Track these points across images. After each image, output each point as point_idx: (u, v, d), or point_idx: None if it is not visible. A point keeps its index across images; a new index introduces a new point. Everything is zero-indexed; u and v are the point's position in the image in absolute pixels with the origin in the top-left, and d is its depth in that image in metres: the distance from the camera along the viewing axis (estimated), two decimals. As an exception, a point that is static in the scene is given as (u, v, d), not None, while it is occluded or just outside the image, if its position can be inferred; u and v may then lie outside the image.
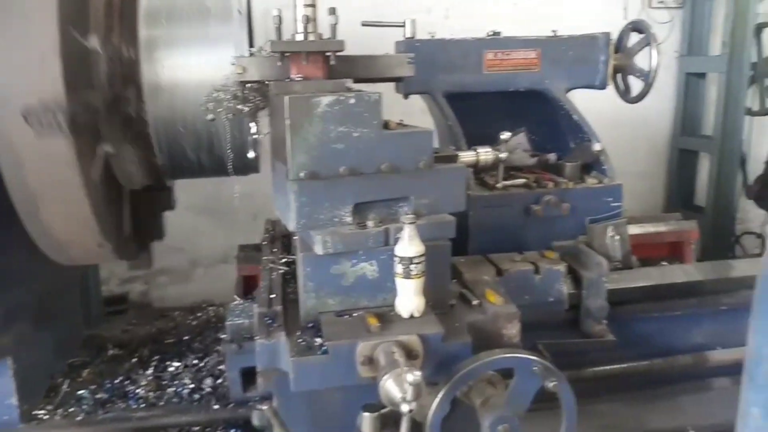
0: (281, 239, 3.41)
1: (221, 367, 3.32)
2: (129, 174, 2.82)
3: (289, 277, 2.83)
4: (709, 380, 3.21)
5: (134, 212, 3.03)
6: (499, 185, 2.96)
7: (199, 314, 4.55)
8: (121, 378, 3.36)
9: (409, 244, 2.14)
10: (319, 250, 2.21)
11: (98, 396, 3.18)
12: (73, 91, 2.36)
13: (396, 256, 2.16)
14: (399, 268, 2.16)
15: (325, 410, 2.37)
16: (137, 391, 3.21)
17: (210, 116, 2.60)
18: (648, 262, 3.48)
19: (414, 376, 1.81)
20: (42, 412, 3.04)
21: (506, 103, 3.45)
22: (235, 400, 2.96)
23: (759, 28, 4.91)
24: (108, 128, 2.66)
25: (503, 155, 2.79)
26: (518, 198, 3.04)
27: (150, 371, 3.41)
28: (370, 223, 2.27)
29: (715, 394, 3.14)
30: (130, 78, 2.69)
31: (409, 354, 2.07)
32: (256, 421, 2.71)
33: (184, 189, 4.23)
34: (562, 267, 2.79)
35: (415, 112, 3.61)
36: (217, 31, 2.72)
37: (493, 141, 3.38)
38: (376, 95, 2.24)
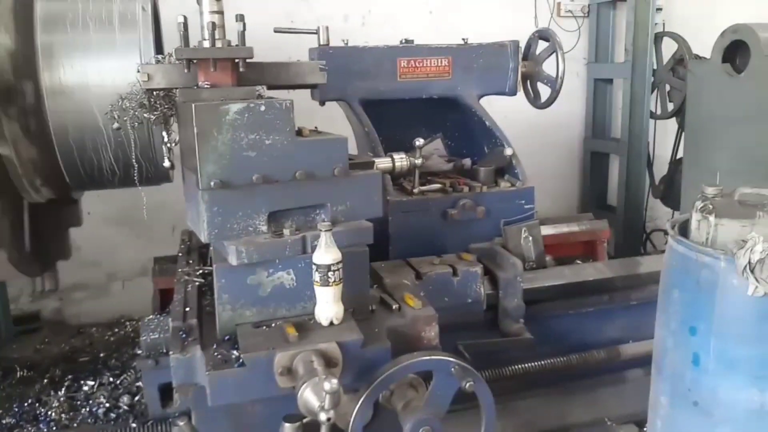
0: (198, 250, 3.33)
1: (139, 383, 3.19)
2: (29, 180, 2.66)
3: (206, 289, 2.76)
4: (624, 372, 3.35)
5: (36, 228, 2.87)
6: (416, 191, 3.00)
7: (116, 330, 4.36)
8: (30, 401, 3.16)
9: (325, 252, 2.14)
10: (233, 260, 2.17)
11: (5, 421, 2.98)
12: None
13: (314, 263, 2.15)
14: (317, 276, 2.15)
15: (245, 423, 2.32)
16: (49, 413, 3.03)
17: (116, 125, 2.50)
18: (563, 262, 3.62)
19: (331, 384, 1.80)
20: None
21: (422, 109, 3.50)
22: (154, 417, 2.85)
23: (657, 37, 5.20)
24: (3, 124, 2.52)
25: (418, 161, 2.83)
26: (435, 202, 3.09)
27: (62, 392, 3.22)
28: (286, 232, 2.26)
29: (630, 386, 3.28)
30: (27, 75, 2.56)
31: (329, 362, 2.06)
32: (175, 438, 2.64)
33: (99, 199, 4.06)
34: (478, 269, 2.85)
35: (337, 118, 3.61)
36: (122, 37, 2.63)
37: (410, 147, 3.44)
38: (288, 102, 2.22)
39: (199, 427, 2.27)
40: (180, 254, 3.24)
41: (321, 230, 2.15)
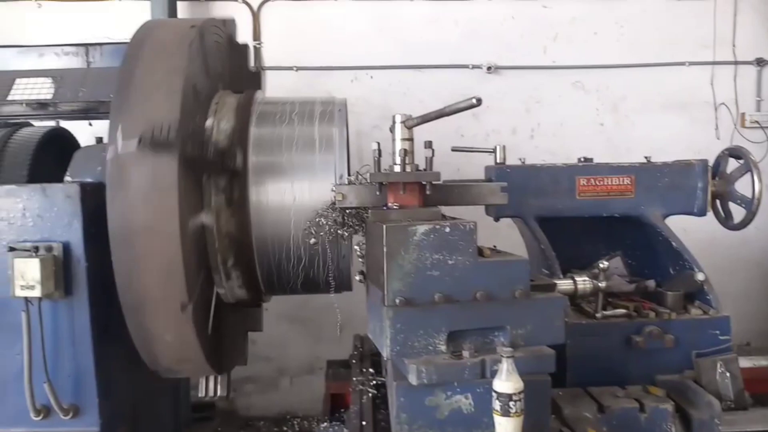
0: (370, 357, 3.41)
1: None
2: (223, 257, 2.87)
3: (379, 402, 2.80)
4: None
5: (220, 327, 3.11)
6: (598, 315, 2.87)
7: (284, 427, 4.51)
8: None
9: (507, 380, 2.08)
10: (413, 380, 2.18)
11: None
12: (186, 123, 2.54)
13: (494, 391, 2.10)
14: (497, 405, 2.09)
15: None
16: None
17: (312, 240, 2.71)
18: (762, 400, 3.20)
19: None
20: None
21: (600, 226, 3.40)
22: None
23: None
24: (209, 200, 2.79)
25: (602, 284, 2.72)
26: (619, 328, 2.92)
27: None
28: (465, 353, 2.24)
29: None
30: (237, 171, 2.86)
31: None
32: None
33: (274, 299, 4.35)
34: (669, 406, 2.60)
35: (501, 228, 3.60)
36: (321, 158, 2.88)
37: (585, 264, 3.33)
38: (472, 224, 2.27)
39: None
40: (353, 360, 3.34)
41: (502, 356, 2.11)
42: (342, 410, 3.38)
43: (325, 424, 2.99)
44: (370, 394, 2.84)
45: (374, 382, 2.97)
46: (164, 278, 2.53)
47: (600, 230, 3.44)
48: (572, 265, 3.26)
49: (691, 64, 5.38)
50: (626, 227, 3.40)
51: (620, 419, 2.59)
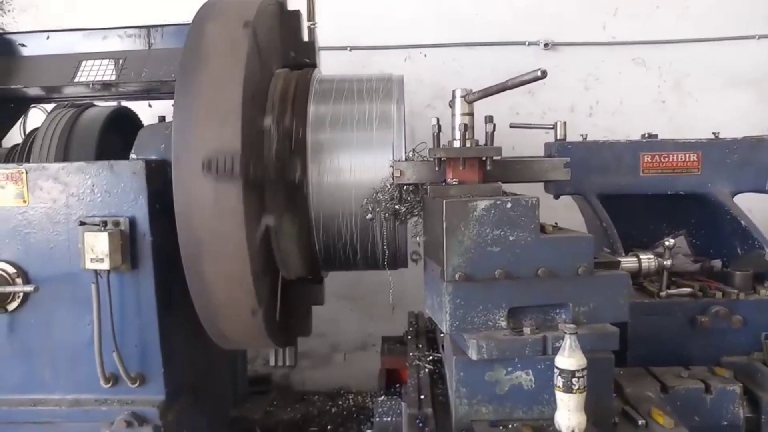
0: (425, 334, 3.42)
1: (365, 462, 3.30)
2: (287, 253, 2.95)
3: (437, 377, 2.81)
4: None
5: (285, 303, 3.17)
6: (662, 294, 2.79)
7: (339, 401, 4.58)
8: (266, 464, 3.42)
9: (570, 356, 2.06)
10: (473, 355, 2.18)
11: (245, 482, 3.25)
12: (248, 147, 2.58)
13: (557, 367, 2.08)
14: (559, 381, 2.07)
15: None
16: (285, 474, 3.24)
17: (369, 216, 2.72)
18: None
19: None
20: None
21: (663, 204, 3.30)
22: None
23: None
24: (272, 198, 2.85)
25: (668, 263, 2.65)
26: (683, 307, 2.84)
27: (295, 458, 3.44)
28: (526, 330, 2.22)
29: None
30: (296, 154, 2.90)
31: (570, 473, 1.95)
32: None
33: (328, 276, 4.41)
34: (737, 387, 2.53)
35: (558, 208, 3.53)
36: (378, 136, 2.88)
37: (648, 243, 3.24)
38: (534, 199, 2.24)
39: None
40: (408, 337, 3.35)
41: (565, 332, 2.08)
42: (397, 386, 3.40)
43: (382, 398, 3.01)
44: (427, 370, 2.84)
45: (431, 357, 2.98)
46: (234, 290, 2.65)
47: (663, 208, 3.34)
48: (634, 245, 3.19)
49: (761, 37, 5.12)
50: (691, 205, 3.29)
51: (685, 400, 2.53)
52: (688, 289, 2.85)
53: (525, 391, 2.24)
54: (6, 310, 2.93)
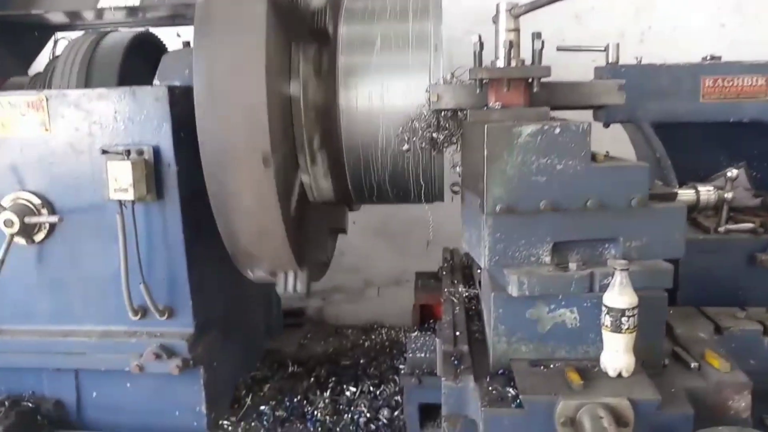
0: (461, 270, 3.29)
1: (397, 398, 3.24)
2: (309, 135, 2.77)
3: (473, 314, 2.69)
4: None
5: (303, 221, 2.99)
6: (721, 229, 2.58)
7: (372, 336, 4.56)
8: (299, 397, 3.39)
9: (620, 294, 1.92)
10: (514, 291, 2.05)
11: (278, 413, 3.23)
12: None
13: (605, 306, 1.93)
14: (608, 320, 1.93)
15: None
16: (315, 413, 3.21)
17: (406, 146, 2.55)
18: None
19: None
20: (226, 422, 3.16)
21: (722, 134, 3.03)
22: (412, 436, 2.86)
23: None
24: (298, 61, 2.70)
25: (728, 195, 2.43)
26: (741, 244, 2.63)
27: (327, 394, 3.40)
28: (572, 266, 2.07)
29: None
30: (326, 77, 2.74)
31: (617, 420, 1.82)
32: (435, 463, 2.60)
33: (362, 211, 4.29)
34: (797, 329, 2.35)
35: (603, 140, 3.30)
36: (415, 58, 2.67)
37: (703, 176, 3.01)
38: (585, 124, 2.04)
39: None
40: (443, 272, 3.23)
41: (615, 269, 1.93)
42: (431, 321, 3.32)
43: (416, 333, 2.92)
44: (463, 306, 2.72)
45: (467, 293, 2.86)
46: (248, 130, 2.44)
47: (722, 138, 3.06)
48: (688, 178, 2.95)
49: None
50: (753, 135, 3.01)
51: (740, 342, 2.37)
52: (749, 225, 2.63)
53: (569, 330, 2.11)
54: (33, 241, 2.89)
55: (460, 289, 2.91)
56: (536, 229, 2.08)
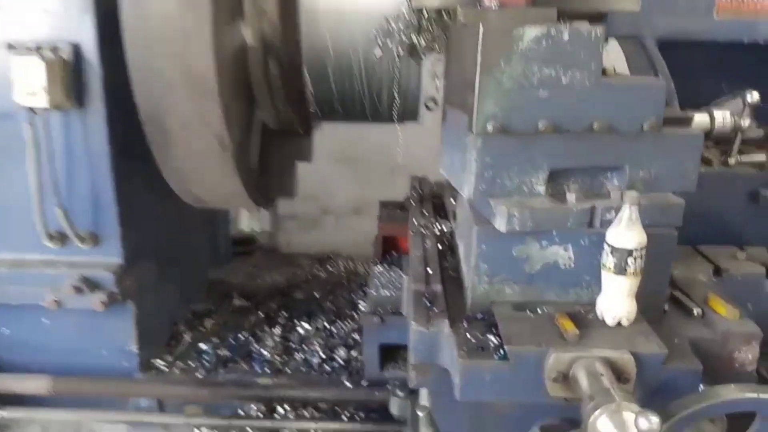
0: (431, 200, 2.97)
1: (355, 335, 2.97)
2: (263, 69, 2.40)
3: (444, 249, 2.39)
4: None
5: (265, 157, 2.68)
6: (731, 160, 2.31)
7: (327, 267, 4.26)
8: (245, 334, 3.08)
9: (628, 230, 1.63)
10: (501, 226, 1.74)
11: (221, 352, 2.92)
12: None
13: (608, 244, 1.65)
14: (610, 261, 1.66)
15: (485, 420, 1.93)
16: (263, 351, 2.92)
17: (378, 52, 2.15)
18: None
19: (649, 422, 1.30)
20: (161, 362, 2.84)
21: (729, 57, 2.73)
22: (370, 379, 2.60)
23: None
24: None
25: (745, 122, 2.14)
26: (744, 179, 2.38)
27: (277, 330, 3.09)
28: (570, 197, 1.77)
29: None
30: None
31: (618, 376, 1.57)
32: (394, 410, 2.35)
33: (321, 134, 3.91)
34: (801, 272, 2.15)
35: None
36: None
37: (701, 103, 2.73)
38: (598, 30, 1.71)
39: (433, 412, 1.92)
40: (412, 203, 2.90)
41: (625, 202, 1.64)
42: (394, 253, 3.02)
43: (380, 267, 2.62)
44: (435, 240, 2.42)
45: (438, 227, 2.54)
46: (196, 104, 2.06)
47: (729, 62, 2.77)
48: (687, 105, 2.66)
49: None
50: (760, 60, 2.73)
51: (741, 285, 2.15)
52: (762, 157, 2.36)
53: (561, 270, 1.82)
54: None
55: (432, 221, 2.59)
56: (532, 153, 1.77)
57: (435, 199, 2.96)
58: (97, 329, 2.63)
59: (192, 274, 3.46)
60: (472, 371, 1.66)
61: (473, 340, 1.74)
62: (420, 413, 1.72)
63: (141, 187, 2.61)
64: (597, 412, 1.40)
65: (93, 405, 2.71)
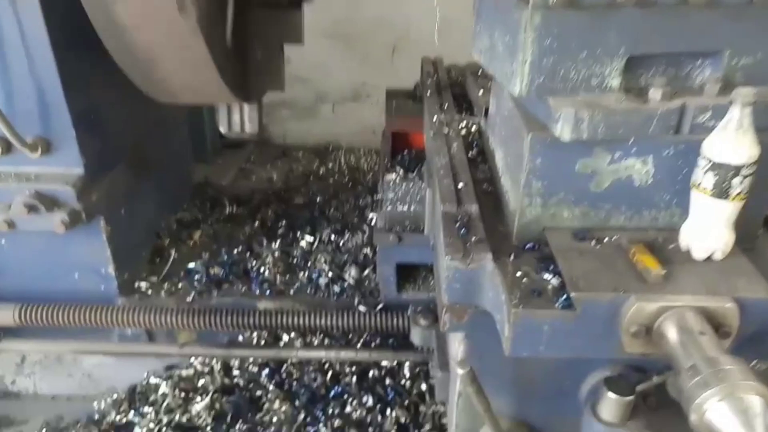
0: (449, 89, 2.49)
1: (366, 250, 2.58)
2: None
3: (474, 155, 1.97)
4: None
5: (245, 40, 2.17)
6: None
7: (326, 160, 3.83)
8: (240, 248, 2.69)
9: (738, 140, 1.22)
10: (566, 133, 1.33)
11: (213, 271, 2.53)
12: None
13: (705, 158, 1.26)
14: (708, 180, 1.27)
15: (535, 368, 1.62)
16: (261, 269, 2.54)
17: None
18: None
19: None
20: (145, 284, 2.48)
21: None
22: (387, 302, 2.28)
23: None
24: None
25: None
26: None
27: (276, 244, 2.69)
28: (654, 94, 1.34)
29: None
30: None
31: (715, 328, 1.23)
32: (416, 339, 2.04)
33: (311, 9, 3.36)
34: None
35: None
36: None
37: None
38: None
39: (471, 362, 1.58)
40: (428, 92, 2.42)
41: (735, 101, 1.22)
42: (405, 153, 2.58)
43: (392, 175, 2.21)
44: (462, 143, 1.98)
45: (466, 123, 2.10)
46: None
47: None
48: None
49: None
50: None
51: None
52: None
53: (635, 189, 1.44)
54: None
55: (454, 117, 2.14)
56: (606, 34, 1.32)
57: (454, 88, 2.50)
58: (65, 251, 2.26)
59: (174, 177, 3.03)
60: (526, 322, 1.31)
61: (525, 280, 1.38)
62: (460, 370, 1.39)
63: (100, 81, 2.12)
64: (706, 394, 1.06)
65: (73, 334, 2.39)
